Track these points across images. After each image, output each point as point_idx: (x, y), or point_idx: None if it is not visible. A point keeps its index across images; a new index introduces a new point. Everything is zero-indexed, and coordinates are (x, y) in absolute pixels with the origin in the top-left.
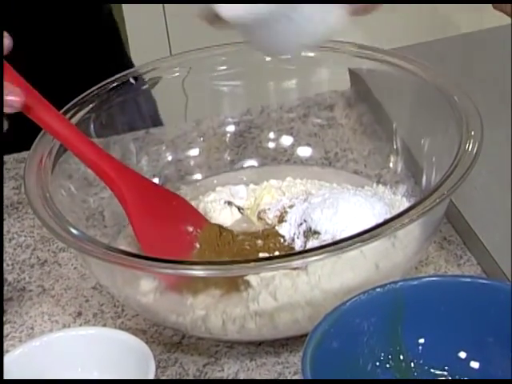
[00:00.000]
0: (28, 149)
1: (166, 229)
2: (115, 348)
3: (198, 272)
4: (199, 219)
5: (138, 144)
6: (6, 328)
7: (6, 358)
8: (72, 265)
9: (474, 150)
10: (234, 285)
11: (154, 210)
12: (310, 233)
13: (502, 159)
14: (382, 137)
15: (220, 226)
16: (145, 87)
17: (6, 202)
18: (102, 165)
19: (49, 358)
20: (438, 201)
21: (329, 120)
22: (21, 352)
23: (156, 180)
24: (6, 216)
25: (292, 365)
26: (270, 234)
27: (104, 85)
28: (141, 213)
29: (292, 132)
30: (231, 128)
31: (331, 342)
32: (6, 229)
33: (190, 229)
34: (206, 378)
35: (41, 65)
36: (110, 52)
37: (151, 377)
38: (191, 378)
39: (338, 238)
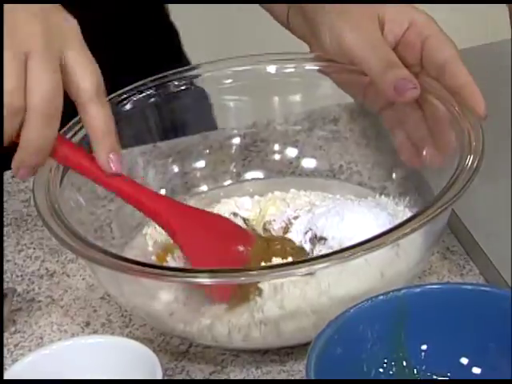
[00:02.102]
0: None
1: (218, 253)
2: (123, 356)
3: (204, 280)
4: (248, 236)
5: (146, 158)
6: (16, 337)
7: (16, 367)
8: (80, 275)
9: (476, 162)
10: (245, 294)
11: (202, 237)
12: (316, 239)
13: (505, 171)
14: (385, 150)
15: (267, 239)
16: (152, 100)
17: (15, 214)
18: (148, 203)
19: (58, 366)
20: (439, 211)
21: (333, 133)
22: (30, 360)
23: (163, 192)
24: (15, 228)
25: (297, 373)
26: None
27: (111, 98)
28: (191, 242)
29: (297, 145)
30: (237, 141)
31: (335, 349)
32: (15, 241)
33: (241, 248)
34: None
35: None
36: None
37: None
38: None
39: (345, 244)
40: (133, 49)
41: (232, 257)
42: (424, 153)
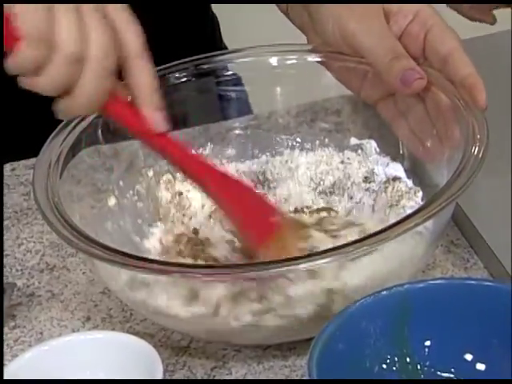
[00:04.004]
0: (37, 155)
1: (257, 221)
2: (123, 352)
3: (202, 275)
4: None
5: (146, 150)
6: (16, 333)
7: (16, 362)
8: (81, 270)
9: (480, 154)
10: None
11: (242, 203)
12: None
13: (508, 163)
14: (388, 141)
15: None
16: None
17: (15, 208)
18: (193, 165)
19: (57, 362)
20: (443, 205)
21: (336, 125)
22: (30, 356)
23: (162, 186)
24: (15, 222)
25: (299, 368)
26: None
27: None
28: (233, 207)
29: (299, 137)
30: (238, 133)
31: (337, 345)
32: (15, 235)
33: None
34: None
35: None
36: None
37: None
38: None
39: None
40: (173, 39)
41: (266, 225)
42: (428, 145)
